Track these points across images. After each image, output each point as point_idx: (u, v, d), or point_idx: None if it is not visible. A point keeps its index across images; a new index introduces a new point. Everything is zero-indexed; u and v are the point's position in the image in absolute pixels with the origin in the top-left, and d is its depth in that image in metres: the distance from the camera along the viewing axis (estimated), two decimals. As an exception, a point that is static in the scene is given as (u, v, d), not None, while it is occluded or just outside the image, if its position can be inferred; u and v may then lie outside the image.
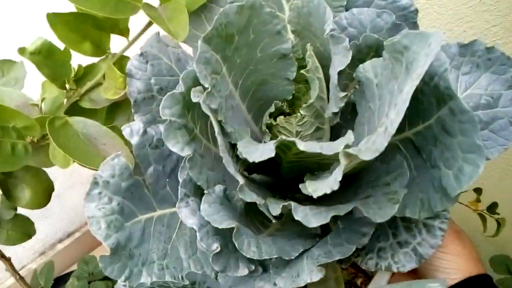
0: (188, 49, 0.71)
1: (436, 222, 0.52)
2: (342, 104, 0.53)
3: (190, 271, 0.54)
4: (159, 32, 0.67)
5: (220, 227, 0.49)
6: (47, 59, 0.66)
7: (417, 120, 0.48)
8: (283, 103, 0.62)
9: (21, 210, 0.80)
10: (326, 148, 0.44)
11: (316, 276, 0.49)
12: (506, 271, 0.86)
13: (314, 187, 0.42)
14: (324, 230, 0.58)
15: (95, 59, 0.74)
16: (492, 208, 0.92)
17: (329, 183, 0.39)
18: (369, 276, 1.08)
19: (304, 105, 0.55)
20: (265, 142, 0.61)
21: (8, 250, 0.92)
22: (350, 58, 0.50)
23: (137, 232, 0.57)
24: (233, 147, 0.58)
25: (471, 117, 0.39)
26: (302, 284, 0.50)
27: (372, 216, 0.44)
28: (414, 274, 0.65)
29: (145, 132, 0.60)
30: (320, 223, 0.45)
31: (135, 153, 0.59)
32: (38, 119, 0.64)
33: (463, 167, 0.40)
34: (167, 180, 0.62)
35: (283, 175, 0.64)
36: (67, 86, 0.70)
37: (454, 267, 0.60)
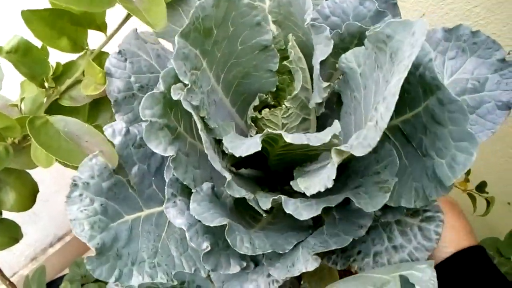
0: (167, 45, 0.69)
1: (431, 226, 0.52)
2: (326, 94, 0.53)
3: (178, 271, 0.53)
4: (136, 29, 0.66)
5: (212, 225, 0.48)
6: (24, 57, 0.65)
7: (404, 109, 0.47)
8: (267, 96, 0.61)
9: (7, 215, 0.78)
10: (314, 139, 0.43)
11: (312, 265, 0.49)
12: (496, 254, 0.87)
13: (307, 184, 0.41)
14: (316, 221, 0.57)
15: (73, 56, 0.73)
16: (481, 187, 0.93)
17: (322, 181, 0.38)
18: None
19: (288, 96, 0.54)
20: (251, 136, 0.60)
21: (-2, 257, 0.90)
22: (331, 47, 0.49)
23: (124, 232, 0.56)
24: (218, 142, 0.56)
25: (460, 106, 0.38)
26: (297, 274, 0.50)
27: (363, 206, 0.43)
28: None
29: (127, 131, 0.59)
30: (311, 215, 0.44)
31: (119, 154, 0.58)
32: (18, 120, 0.62)
33: (456, 156, 0.40)
34: (153, 179, 0.61)
35: (271, 169, 0.63)
36: (46, 84, 0.69)
37: (448, 239, 0.60)
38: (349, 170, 0.55)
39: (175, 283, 0.53)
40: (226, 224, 0.48)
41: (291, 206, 0.46)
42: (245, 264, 0.54)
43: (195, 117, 0.48)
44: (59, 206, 1.50)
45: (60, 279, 1.32)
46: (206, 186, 0.54)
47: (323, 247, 0.48)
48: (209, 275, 0.59)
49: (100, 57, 0.72)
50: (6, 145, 0.63)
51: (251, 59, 0.56)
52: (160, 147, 0.49)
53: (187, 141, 0.56)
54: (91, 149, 0.64)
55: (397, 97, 0.34)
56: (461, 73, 0.55)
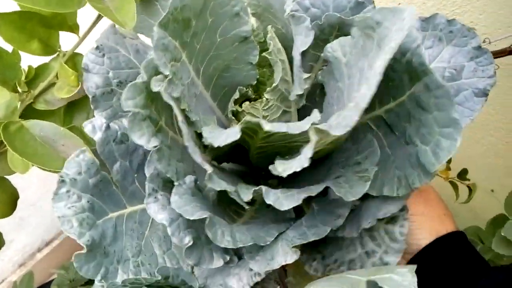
0: (147, 40, 0.68)
1: (396, 227, 0.50)
2: (307, 86, 0.53)
3: (162, 266, 0.53)
4: (115, 24, 0.65)
5: (192, 219, 0.48)
6: (-5, 62, 0.63)
7: (388, 98, 0.48)
8: (247, 89, 0.60)
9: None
10: (293, 127, 0.43)
11: (291, 257, 0.48)
12: (478, 242, 0.88)
13: (284, 167, 0.41)
14: (299, 214, 0.57)
15: (46, 59, 0.72)
16: (462, 174, 0.94)
17: (300, 160, 0.38)
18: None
19: (268, 88, 0.54)
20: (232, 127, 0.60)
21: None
22: (312, 38, 0.49)
23: (110, 230, 0.55)
24: (199, 136, 0.56)
25: (446, 91, 0.38)
26: (277, 267, 0.49)
27: (343, 195, 0.43)
28: None
29: (108, 127, 0.58)
30: (292, 205, 0.44)
31: (99, 150, 0.57)
32: (-8, 126, 0.61)
33: (440, 142, 0.40)
34: (135, 175, 0.60)
35: (253, 163, 0.63)
36: (19, 89, 0.68)
37: (419, 227, 0.59)
38: (332, 161, 0.55)
39: (159, 278, 0.52)
40: (206, 217, 0.48)
41: (272, 197, 0.45)
42: (228, 258, 0.53)
43: (176, 109, 0.47)
44: (46, 211, 1.49)
45: (49, 284, 1.31)
46: (189, 179, 0.54)
47: (301, 239, 0.48)
48: (192, 271, 0.58)
49: (73, 58, 0.72)
50: (-19, 153, 0.62)
51: (231, 51, 0.56)
52: (143, 138, 0.48)
53: (169, 135, 0.55)
54: (68, 152, 0.64)
55: (380, 77, 0.34)
56: (438, 62, 0.55)
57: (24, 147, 0.62)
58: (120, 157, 0.59)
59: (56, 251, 1.57)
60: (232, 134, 0.42)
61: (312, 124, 0.42)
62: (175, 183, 0.52)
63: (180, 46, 0.49)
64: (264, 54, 0.54)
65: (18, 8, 0.63)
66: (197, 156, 0.46)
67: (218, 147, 0.45)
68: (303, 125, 0.42)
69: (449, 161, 0.92)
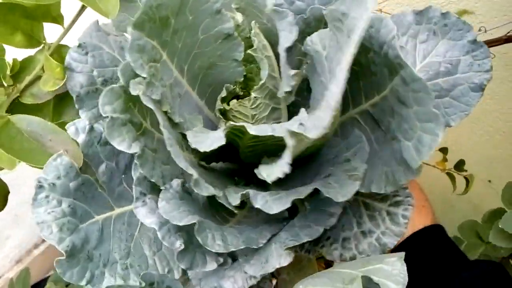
0: (131, 37, 0.66)
1: (399, 210, 0.50)
2: (294, 82, 0.51)
3: (147, 272, 0.52)
4: (98, 21, 0.63)
5: (181, 224, 0.46)
6: (-22, 56, 0.62)
7: (373, 92, 0.46)
8: (235, 86, 0.59)
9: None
10: (278, 129, 0.41)
11: (285, 260, 0.47)
12: (475, 237, 0.86)
13: (268, 172, 0.40)
14: (292, 211, 0.56)
15: (31, 52, 0.70)
16: (459, 165, 0.93)
17: (280, 167, 0.36)
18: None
19: (255, 86, 0.52)
20: (220, 128, 0.58)
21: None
22: (296, 33, 0.47)
23: (95, 233, 0.54)
24: (185, 137, 0.54)
25: (423, 85, 0.36)
26: (272, 270, 0.48)
27: (333, 195, 0.42)
28: None
29: (91, 128, 0.57)
30: (281, 208, 0.43)
31: (83, 152, 0.56)
32: (-22, 121, 0.60)
33: (422, 137, 0.39)
34: (123, 176, 0.59)
35: (244, 161, 0.61)
36: (4, 83, 0.66)
37: None
38: (321, 158, 0.53)
39: (143, 284, 0.51)
40: (195, 223, 0.47)
41: (260, 200, 0.44)
42: (222, 260, 0.52)
43: (157, 112, 0.46)
44: None
45: (45, 280, 1.30)
46: (176, 182, 0.52)
47: (294, 241, 0.47)
48: (183, 274, 0.57)
49: (59, 50, 0.69)
50: (-32, 148, 0.61)
51: (215, 49, 0.54)
52: (123, 144, 0.47)
53: (155, 136, 0.54)
54: (56, 148, 0.62)
55: (345, 73, 0.32)
56: (433, 56, 0.53)
57: (10, 142, 0.60)
58: (105, 159, 0.57)
59: (53, 247, 1.56)
60: (217, 139, 0.41)
61: (300, 125, 0.41)
62: (162, 188, 0.51)
63: (160, 45, 0.48)
64: (249, 51, 0.52)
65: (-1, 0, 0.61)
66: (181, 161, 0.45)
67: (206, 148, 0.44)
68: (289, 127, 0.40)
69: (446, 152, 0.91)
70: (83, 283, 0.52)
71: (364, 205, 0.51)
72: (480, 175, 0.91)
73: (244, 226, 0.55)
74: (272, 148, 0.56)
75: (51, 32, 0.69)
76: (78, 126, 0.56)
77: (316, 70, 0.48)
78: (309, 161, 0.55)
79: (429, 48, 0.54)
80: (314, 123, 0.33)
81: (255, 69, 0.59)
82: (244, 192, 0.46)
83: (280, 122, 0.60)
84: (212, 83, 0.59)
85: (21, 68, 0.69)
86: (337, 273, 0.48)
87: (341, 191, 0.42)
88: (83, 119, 0.58)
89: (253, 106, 0.54)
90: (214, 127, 0.61)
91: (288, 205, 0.42)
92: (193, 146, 0.45)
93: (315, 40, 0.47)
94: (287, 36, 0.47)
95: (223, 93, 0.57)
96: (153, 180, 0.50)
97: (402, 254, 0.46)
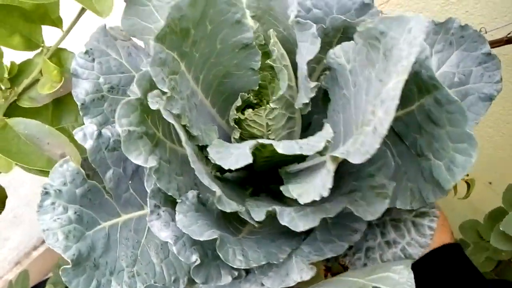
0: (139, 42, 0.65)
1: (425, 221, 0.50)
2: (313, 94, 0.50)
3: (149, 284, 0.51)
4: (105, 25, 0.61)
5: (201, 240, 0.46)
6: (-25, 58, 0.61)
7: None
8: (249, 94, 0.57)
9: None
10: (306, 147, 0.41)
11: (307, 274, 0.47)
12: (476, 236, 0.87)
13: (299, 192, 0.39)
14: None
15: (30, 55, 0.69)
16: (460, 169, 0.93)
17: (317, 189, 0.36)
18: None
19: (274, 97, 0.51)
20: (234, 138, 0.57)
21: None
22: (319, 45, 0.46)
23: (101, 240, 0.53)
24: (201, 148, 0.53)
25: (459, 107, 0.36)
26: (292, 284, 0.48)
27: (362, 214, 0.42)
28: None
29: (99, 134, 0.55)
30: (308, 226, 0.42)
31: (91, 158, 0.54)
32: (-25, 124, 0.59)
33: (455, 158, 0.38)
34: (130, 182, 0.58)
35: (256, 170, 0.61)
36: (2, 86, 0.66)
37: None
38: (341, 170, 0.52)
39: None
40: (217, 238, 0.46)
41: (286, 217, 0.43)
42: (236, 273, 0.51)
43: (177, 127, 0.44)
44: None
45: (44, 282, 1.28)
46: (192, 194, 0.51)
47: (318, 256, 0.47)
48: (189, 284, 0.56)
49: (58, 54, 0.69)
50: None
51: (231, 58, 0.53)
52: (140, 157, 0.46)
53: (167, 146, 0.53)
54: (54, 151, 0.62)
55: (397, 101, 0.32)
56: (447, 67, 0.54)
57: (7, 145, 0.60)
58: (113, 165, 0.56)
59: (52, 249, 1.55)
60: (243, 157, 0.40)
61: (334, 138, 0.40)
62: (178, 200, 0.50)
63: (179, 57, 0.46)
64: (268, 61, 0.51)
65: (-2, 3, 0.60)
66: (205, 178, 0.44)
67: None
68: (317, 144, 0.40)
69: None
70: None
71: (388, 216, 0.51)
72: (480, 177, 0.92)
73: (259, 238, 0.54)
74: (287, 159, 0.55)
75: (50, 35, 0.68)
76: (86, 132, 0.54)
77: (339, 83, 0.48)
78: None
79: (443, 58, 0.55)
80: (358, 148, 0.33)
81: (269, 77, 0.58)
82: (270, 209, 0.45)
83: (294, 130, 0.59)
84: (225, 92, 0.57)
85: (19, 71, 0.68)
86: (344, 282, 0.48)
87: (369, 209, 0.42)
88: (91, 125, 0.56)
89: (270, 117, 0.53)
90: (226, 136, 0.60)
91: (316, 223, 0.42)
92: (217, 162, 0.44)
93: (338, 53, 0.46)
94: (309, 48, 0.46)
95: (238, 102, 0.56)
96: (169, 194, 0.49)
97: (409, 261, 0.47)
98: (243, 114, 0.56)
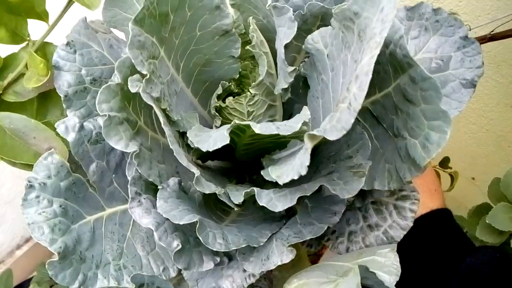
0: (120, 34, 0.65)
1: (407, 204, 0.51)
2: (292, 79, 0.51)
3: (136, 274, 0.50)
4: (86, 18, 0.61)
5: (181, 223, 0.46)
6: (-41, 52, 0.60)
7: (373, 89, 0.46)
8: (230, 83, 0.58)
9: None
10: (283, 128, 0.41)
11: (287, 257, 0.47)
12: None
13: (278, 173, 0.39)
14: (288, 210, 0.56)
15: (15, 48, 0.68)
16: (444, 163, 0.94)
17: (295, 168, 0.36)
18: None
19: (253, 83, 0.52)
20: (216, 126, 0.57)
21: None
22: (295, 29, 0.47)
23: (87, 234, 0.53)
24: (182, 135, 0.53)
25: (433, 83, 0.37)
26: (273, 267, 0.48)
27: (339, 192, 0.42)
28: None
29: (81, 127, 0.55)
30: (286, 206, 0.43)
31: (73, 151, 0.54)
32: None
33: (429, 135, 0.39)
34: (113, 175, 0.57)
35: (238, 159, 0.61)
36: None
37: None
38: (320, 155, 0.53)
39: (134, 287, 0.50)
40: (196, 221, 0.46)
41: (264, 198, 0.44)
42: (218, 259, 0.52)
43: (157, 110, 0.45)
44: None
45: (28, 281, 1.27)
46: (173, 181, 0.52)
47: (297, 238, 0.47)
48: (177, 275, 0.56)
49: (43, 48, 0.68)
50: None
51: (211, 45, 0.53)
52: (121, 143, 0.46)
53: (149, 135, 0.53)
54: (40, 145, 0.61)
55: (370, 76, 0.32)
56: (424, 53, 0.54)
57: None
58: (96, 158, 0.56)
59: (36, 247, 1.51)
60: (221, 138, 0.41)
61: (303, 124, 0.41)
62: (159, 187, 0.50)
63: (158, 42, 0.46)
64: (247, 47, 0.52)
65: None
66: (183, 159, 0.44)
67: (203, 147, 0.43)
68: (294, 125, 0.40)
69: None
70: (75, 285, 0.50)
71: (371, 198, 0.52)
72: (463, 172, 0.93)
73: (241, 225, 0.54)
74: (268, 146, 0.56)
75: (35, 29, 0.68)
76: (68, 124, 0.54)
77: (317, 68, 0.48)
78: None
79: (420, 44, 0.55)
80: (334, 125, 0.33)
81: (250, 66, 0.59)
82: (248, 190, 0.45)
83: (275, 118, 0.59)
84: (207, 80, 0.58)
85: (4, 65, 0.68)
86: (330, 266, 0.48)
87: (346, 187, 0.42)
88: (73, 117, 0.56)
89: (250, 103, 0.54)
90: (207, 124, 0.61)
91: (293, 202, 0.42)
92: (195, 145, 0.44)
93: (316, 39, 0.47)
94: (286, 33, 0.47)
95: (219, 90, 0.56)
96: (150, 179, 0.49)
97: (395, 245, 0.47)
98: (224, 102, 0.56)
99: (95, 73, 0.61)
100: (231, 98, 0.56)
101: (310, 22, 0.53)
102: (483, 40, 0.81)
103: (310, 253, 0.95)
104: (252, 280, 0.52)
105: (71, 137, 0.54)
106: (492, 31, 0.81)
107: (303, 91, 0.56)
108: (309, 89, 0.54)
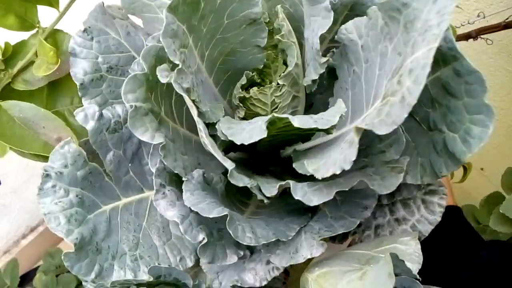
0: (137, 21, 0.63)
1: (435, 198, 0.51)
2: (323, 70, 0.50)
3: (153, 266, 0.50)
4: (103, 3, 0.59)
5: (211, 217, 0.45)
6: (-32, 38, 0.60)
7: (407, 81, 0.45)
8: (253, 73, 0.56)
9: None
10: (321, 122, 0.40)
11: (317, 250, 0.46)
12: (473, 221, 0.89)
13: (315, 166, 0.38)
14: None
15: (25, 36, 0.67)
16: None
17: (338, 163, 0.35)
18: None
19: (282, 73, 0.51)
20: (239, 117, 0.56)
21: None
22: (332, 19, 0.46)
23: (103, 224, 0.51)
24: (207, 126, 0.52)
25: (479, 77, 0.36)
26: (302, 260, 0.47)
27: (377, 188, 0.41)
28: None
29: (101, 115, 0.53)
30: (322, 200, 0.42)
31: (92, 140, 0.53)
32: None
33: (471, 129, 0.38)
34: (130, 165, 0.56)
35: (259, 150, 0.60)
36: None
37: None
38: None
39: (151, 279, 0.49)
40: (226, 215, 0.45)
41: (299, 192, 0.43)
42: (242, 253, 0.51)
43: (188, 102, 0.43)
44: (30, 196, 1.44)
45: (35, 270, 1.27)
46: (197, 173, 0.51)
47: (329, 232, 0.46)
48: (194, 267, 0.56)
49: (54, 35, 0.67)
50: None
51: (238, 34, 0.52)
52: (147, 134, 0.45)
53: (170, 126, 0.52)
54: (49, 135, 0.61)
55: (427, 69, 0.31)
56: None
57: (1, 128, 0.59)
58: (113, 147, 0.55)
59: (41, 237, 1.52)
60: (257, 131, 0.39)
61: (341, 116, 0.40)
62: (184, 179, 0.49)
63: (188, 30, 0.45)
64: (277, 37, 0.50)
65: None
66: (218, 153, 0.43)
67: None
68: (331, 119, 0.39)
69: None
70: (91, 276, 0.49)
71: (398, 193, 0.51)
72: (473, 163, 0.93)
73: (265, 217, 0.54)
74: (291, 138, 0.55)
75: (45, 16, 0.66)
76: (87, 112, 0.52)
77: (349, 59, 0.47)
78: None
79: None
80: (383, 119, 0.32)
81: (272, 56, 0.57)
82: (283, 183, 0.44)
83: (297, 110, 0.58)
84: (229, 70, 0.56)
85: (13, 53, 0.67)
86: (351, 254, 0.48)
87: (384, 183, 0.41)
88: (92, 105, 0.54)
89: (277, 94, 0.52)
90: (227, 115, 0.59)
91: (330, 196, 0.41)
92: (229, 138, 0.43)
93: (350, 29, 0.46)
94: (321, 22, 0.46)
95: (243, 80, 0.55)
96: (176, 171, 0.48)
97: (416, 233, 0.47)
98: (248, 92, 0.55)
99: (112, 61, 0.60)
100: (255, 88, 0.54)
101: (339, 12, 0.51)
102: (498, 27, 0.80)
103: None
104: (276, 273, 0.51)
105: (90, 125, 0.52)
106: (507, 18, 0.80)
107: (328, 82, 0.55)
108: (336, 80, 0.52)
